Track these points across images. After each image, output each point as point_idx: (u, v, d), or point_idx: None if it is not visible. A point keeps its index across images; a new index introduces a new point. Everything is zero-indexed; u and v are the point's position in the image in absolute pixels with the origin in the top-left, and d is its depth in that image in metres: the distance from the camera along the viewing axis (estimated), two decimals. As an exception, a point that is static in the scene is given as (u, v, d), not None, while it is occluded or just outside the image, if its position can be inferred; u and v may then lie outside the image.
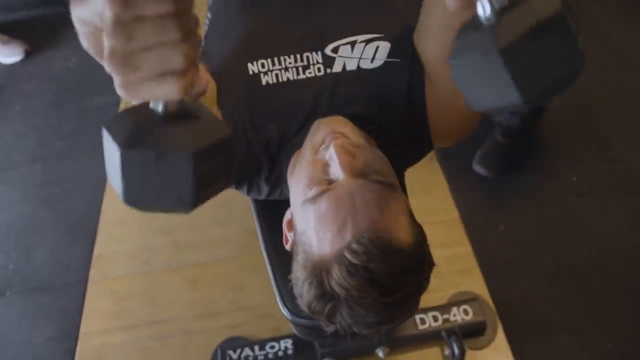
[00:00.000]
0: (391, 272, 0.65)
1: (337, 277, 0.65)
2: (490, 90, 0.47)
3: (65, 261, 1.78)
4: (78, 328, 1.60)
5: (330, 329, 0.71)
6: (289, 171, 0.83)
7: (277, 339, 1.47)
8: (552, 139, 1.89)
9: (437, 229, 1.70)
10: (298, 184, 0.76)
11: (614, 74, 2.08)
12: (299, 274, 0.72)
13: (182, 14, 0.41)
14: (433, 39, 0.80)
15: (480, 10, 0.46)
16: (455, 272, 1.60)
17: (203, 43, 1.08)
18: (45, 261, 1.78)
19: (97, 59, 0.51)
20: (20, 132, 2.22)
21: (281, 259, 1.03)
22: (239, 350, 1.47)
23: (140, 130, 0.44)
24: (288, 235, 0.82)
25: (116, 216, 1.86)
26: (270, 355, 1.44)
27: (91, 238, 1.81)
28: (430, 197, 1.79)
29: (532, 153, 1.85)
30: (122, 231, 1.83)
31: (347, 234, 0.66)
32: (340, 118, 0.82)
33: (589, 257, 1.59)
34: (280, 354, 1.44)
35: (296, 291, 0.74)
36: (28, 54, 2.53)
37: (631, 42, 2.18)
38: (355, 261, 0.64)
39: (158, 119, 0.45)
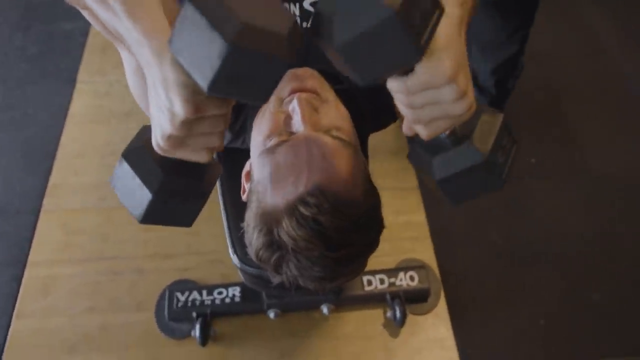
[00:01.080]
0: (340, 226, 0.66)
1: (286, 227, 0.66)
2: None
3: (20, 187, 1.75)
4: (27, 256, 1.59)
5: (276, 279, 0.73)
6: (254, 121, 0.83)
7: (225, 286, 1.49)
8: (516, 119, 1.91)
9: (395, 195, 1.73)
10: (259, 133, 0.76)
11: (587, 61, 2.11)
12: (250, 221, 0.73)
13: (229, 112, 0.56)
14: None
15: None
16: (407, 239, 1.64)
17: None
18: (-1, 186, 1.75)
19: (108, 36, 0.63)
20: (-20, 51, 2.13)
21: (237, 208, 1.04)
22: (187, 293, 1.49)
23: (168, 182, 0.60)
24: (245, 186, 0.82)
25: (76, 148, 1.83)
26: (217, 301, 1.47)
27: (48, 167, 1.78)
28: (393, 163, 1.80)
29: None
30: (81, 163, 1.80)
31: (300, 186, 0.67)
32: (312, 71, 0.81)
33: (535, 237, 1.66)
34: (227, 300, 1.47)
35: (246, 239, 0.75)
36: (-5, -33, 2.40)
37: (608, 31, 2.21)
38: (305, 212, 0.65)
39: (182, 171, 0.61)
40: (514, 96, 1.82)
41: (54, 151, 1.82)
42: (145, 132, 0.65)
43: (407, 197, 1.74)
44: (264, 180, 0.71)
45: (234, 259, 1.05)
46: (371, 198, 0.73)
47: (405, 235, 1.65)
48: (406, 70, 0.53)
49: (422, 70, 0.53)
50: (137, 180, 0.61)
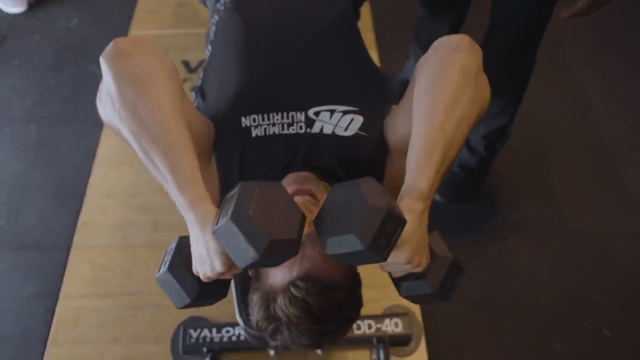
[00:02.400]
0: (324, 307, 0.84)
1: (280, 304, 0.85)
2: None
3: (52, 225, 1.96)
4: (59, 290, 1.80)
5: (272, 343, 0.93)
6: None
7: (233, 325, 1.70)
8: (501, 176, 2.11)
9: (387, 245, 1.92)
10: None
11: (574, 123, 2.28)
12: (253, 296, 0.93)
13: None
14: (402, 127, 0.98)
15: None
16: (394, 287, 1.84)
17: (202, 76, 1.25)
18: (34, 222, 1.96)
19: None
20: (18, 88, 2.35)
21: (243, 279, 1.24)
22: (199, 330, 1.69)
23: (202, 292, 0.84)
24: None
25: (103, 189, 2.04)
26: (225, 339, 1.67)
27: (78, 206, 1.99)
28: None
29: (482, 189, 2.07)
30: (107, 203, 2.01)
31: (294, 272, 0.85)
32: (308, 174, 1.01)
33: (511, 291, 1.84)
34: (234, 338, 1.67)
35: (250, 309, 0.95)
36: (31, 7, 2.61)
37: (598, 93, 2.37)
38: (296, 294, 0.83)
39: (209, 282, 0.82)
40: (500, 153, 2.00)
41: (83, 190, 2.03)
42: (183, 246, 0.89)
43: (397, 246, 1.93)
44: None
45: (240, 322, 1.26)
46: (351, 281, 0.92)
47: (394, 282, 1.85)
48: None
49: (388, 260, 0.76)
50: (178, 287, 0.85)
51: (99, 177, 2.08)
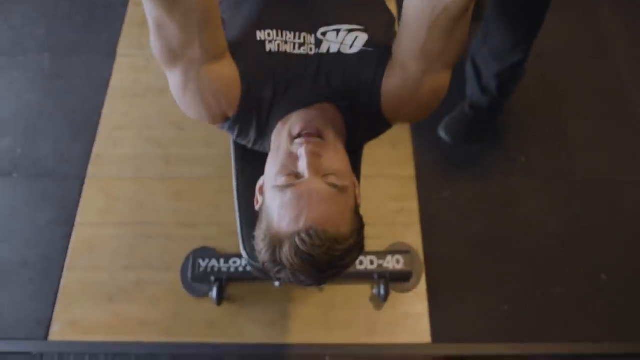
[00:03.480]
0: (328, 259, 0.86)
1: (285, 253, 0.87)
2: None
3: (67, 154, 2.01)
4: (74, 217, 1.88)
5: (276, 280, 0.98)
6: (273, 135, 1.05)
7: (240, 256, 1.77)
8: (513, 117, 2.08)
9: (393, 183, 1.95)
10: (272, 165, 0.98)
11: (590, 63, 2.22)
12: (259, 240, 0.95)
13: None
14: (411, 38, 0.96)
15: None
16: (399, 224, 1.88)
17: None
18: (50, 151, 2.02)
19: None
20: (30, 17, 2.34)
21: (249, 213, 1.27)
22: (207, 260, 1.76)
23: None
24: (259, 198, 1.05)
25: (116, 121, 2.07)
26: (232, 269, 1.75)
27: (91, 136, 2.04)
28: (395, 152, 2.01)
29: (494, 130, 2.05)
30: (120, 135, 2.05)
31: (300, 222, 0.87)
32: (318, 112, 1.02)
33: (512, 232, 1.87)
34: (241, 269, 1.75)
35: (256, 247, 0.98)
36: None
37: (617, 35, 2.28)
38: (301, 247, 0.85)
39: None
40: (514, 94, 1.98)
41: (97, 122, 2.07)
42: None
43: (404, 185, 1.95)
44: (273, 209, 0.92)
45: (244, 254, 1.30)
46: (356, 230, 0.94)
47: (398, 220, 1.89)
48: None
49: None
50: None
51: (111, 109, 2.11)
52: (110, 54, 2.22)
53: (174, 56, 0.94)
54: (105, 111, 2.10)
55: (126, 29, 2.30)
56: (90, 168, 1.97)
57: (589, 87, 2.17)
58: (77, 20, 2.33)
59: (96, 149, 2.02)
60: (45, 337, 1.69)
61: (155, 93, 2.13)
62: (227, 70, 0.98)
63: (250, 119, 1.07)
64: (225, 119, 1.05)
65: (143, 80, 2.16)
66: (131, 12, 2.34)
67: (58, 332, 1.70)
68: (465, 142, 2.02)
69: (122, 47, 2.25)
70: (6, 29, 2.32)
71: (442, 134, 2.01)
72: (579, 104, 2.13)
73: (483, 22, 1.77)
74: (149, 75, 2.18)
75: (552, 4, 1.59)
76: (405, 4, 0.96)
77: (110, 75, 2.17)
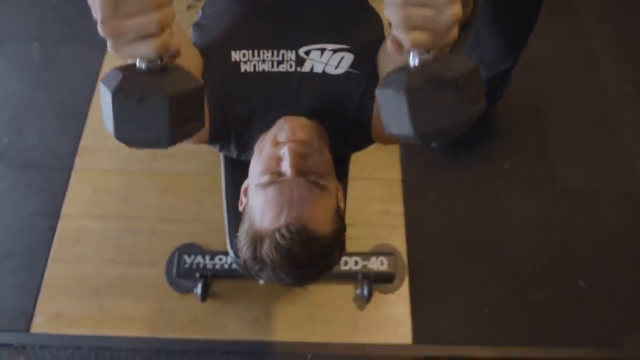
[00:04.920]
0: (308, 255, 0.88)
1: (266, 249, 0.88)
2: (396, 119, 0.63)
3: (54, 146, 2.00)
4: (60, 209, 1.87)
5: (258, 278, 0.99)
6: (256, 145, 1.06)
7: (225, 253, 1.77)
8: (499, 124, 2.11)
9: (379, 185, 1.97)
10: (256, 166, 0.99)
11: (577, 76, 2.26)
12: (242, 237, 0.97)
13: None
14: (389, 61, 0.96)
15: (410, 59, 0.62)
16: (385, 226, 1.90)
17: (200, 14, 1.25)
18: (36, 142, 2.00)
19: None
20: (20, 6, 2.32)
21: (235, 213, 1.28)
22: (192, 256, 1.77)
23: (126, 80, 0.59)
24: (243, 199, 1.06)
25: (104, 113, 2.06)
26: (217, 266, 1.75)
27: (79, 128, 2.03)
28: (381, 154, 2.03)
29: (480, 136, 2.08)
30: (108, 128, 2.04)
31: (281, 219, 0.88)
32: (303, 120, 1.03)
33: (495, 237, 1.90)
34: (226, 266, 1.76)
35: (239, 246, 1.00)
36: None
37: (606, 47, 2.32)
38: (281, 243, 0.86)
39: (141, 73, 0.61)
40: (500, 101, 2.01)
41: (85, 113, 2.06)
42: None
43: (390, 188, 1.97)
44: (255, 208, 0.94)
45: (230, 253, 1.32)
46: (336, 230, 0.96)
47: (384, 222, 1.91)
48: None
49: None
50: (106, 92, 0.61)
51: (100, 102, 2.09)
52: (100, 46, 2.20)
53: None
54: (94, 103, 2.09)
55: (117, 21, 2.28)
56: (77, 160, 1.96)
57: (574, 97, 2.21)
58: (67, 11, 2.32)
59: (83, 141, 2.01)
60: (28, 329, 1.68)
61: (145, 87, 2.12)
62: None
63: (228, 139, 1.09)
64: (203, 141, 1.06)
65: (133, 74, 2.15)
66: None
67: (41, 324, 1.70)
68: (452, 147, 2.05)
69: (113, 39, 2.23)
70: (-5, 17, 2.30)
71: (429, 138, 2.03)
72: (564, 113, 2.17)
73: (472, 31, 1.80)
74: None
75: (540, 13, 1.63)
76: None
77: (100, 67, 2.16)
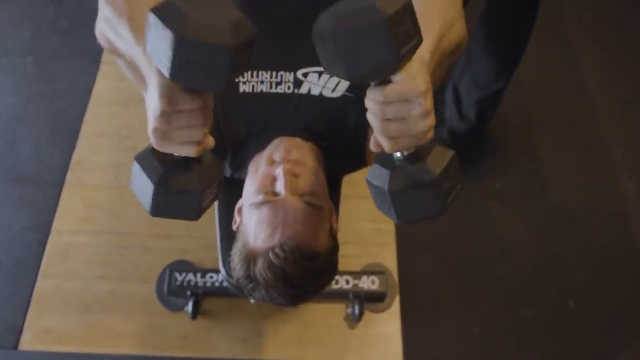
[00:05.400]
0: (301, 274, 0.89)
1: (259, 268, 0.89)
2: (384, 207, 0.74)
3: (46, 160, 1.99)
4: (51, 223, 1.86)
5: (250, 297, 0.99)
6: (251, 164, 1.07)
7: (216, 271, 1.77)
8: (490, 144, 2.13)
9: (371, 204, 1.95)
10: (251, 185, 1.00)
11: (567, 96, 2.28)
12: (235, 256, 0.97)
13: (205, 107, 0.66)
14: None
15: (393, 155, 0.70)
16: (376, 244, 1.90)
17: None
18: (29, 156, 2.00)
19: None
20: (16, 19, 2.32)
21: (228, 232, 1.27)
22: (184, 274, 1.76)
23: (166, 174, 0.69)
24: (237, 218, 1.07)
25: (97, 128, 2.07)
26: (209, 284, 1.74)
27: (72, 143, 2.03)
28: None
29: (471, 156, 2.10)
30: (101, 143, 2.04)
31: (275, 238, 0.89)
32: (298, 141, 1.04)
33: (486, 255, 1.91)
34: (217, 284, 1.75)
35: (232, 265, 1.00)
36: None
37: (595, 68, 2.35)
38: (275, 262, 0.87)
39: (178, 165, 0.70)
40: (491, 121, 2.03)
41: (78, 128, 2.06)
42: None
43: (382, 206, 1.98)
44: (249, 227, 0.95)
45: (222, 272, 1.32)
46: (329, 250, 0.97)
47: (375, 240, 1.91)
48: (385, 81, 0.65)
49: (399, 80, 0.64)
50: (144, 177, 0.70)
51: (93, 116, 2.10)
52: (95, 61, 2.21)
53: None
54: (87, 118, 2.09)
55: (112, 36, 2.28)
56: (69, 175, 1.96)
57: (564, 116, 2.23)
58: (63, 25, 2.32)
59: (76, 155, 2.00)
60: (16, 346, 1.67)
61: (138, 103, 2.11)
62: None
63: (223, 157, 1.10)
64: None
65: (126, 89, 2.16)
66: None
67: (30, 341, 1.68)
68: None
69: (107, 54, 2.21)
70: (-10, 30, 2.30)
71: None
72: (554, 132, 2.19)
73: (465, 52, 1.82)
74: (132, 85, 2.16)
75: (531, 35, 1.66)
76: None
77: (94, 82, 2.16)
